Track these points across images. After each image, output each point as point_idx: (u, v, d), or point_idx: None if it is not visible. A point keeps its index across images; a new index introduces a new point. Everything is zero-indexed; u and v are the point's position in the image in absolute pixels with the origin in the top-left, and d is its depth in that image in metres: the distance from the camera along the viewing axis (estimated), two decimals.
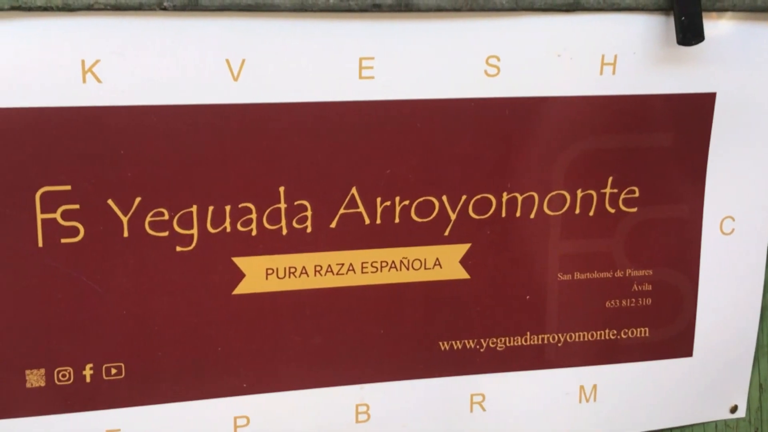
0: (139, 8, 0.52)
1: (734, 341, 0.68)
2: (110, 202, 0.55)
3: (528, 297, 0.63)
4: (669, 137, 0.62)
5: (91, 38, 0.52)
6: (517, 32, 0.58)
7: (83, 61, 0.52)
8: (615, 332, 0.65)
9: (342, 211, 0.59)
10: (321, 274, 0.59)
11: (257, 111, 0.56)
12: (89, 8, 0.51)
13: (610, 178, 0.62)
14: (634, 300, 0.65)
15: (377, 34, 0.56)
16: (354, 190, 0.59)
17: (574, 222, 0.62)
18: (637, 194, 0.63)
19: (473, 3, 0.56)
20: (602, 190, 0.62)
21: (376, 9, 0.55)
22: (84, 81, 0.53)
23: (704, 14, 0.59)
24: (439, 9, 0.56)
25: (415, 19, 0.57)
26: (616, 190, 0.62)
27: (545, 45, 0.59)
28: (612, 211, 0.63)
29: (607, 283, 0.64)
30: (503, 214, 0.61)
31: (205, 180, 0.56)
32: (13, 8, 0.51)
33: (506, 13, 0.57)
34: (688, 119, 0.62)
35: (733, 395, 0.69)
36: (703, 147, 0.63)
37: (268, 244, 0.58)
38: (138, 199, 0.55)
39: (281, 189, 0.58)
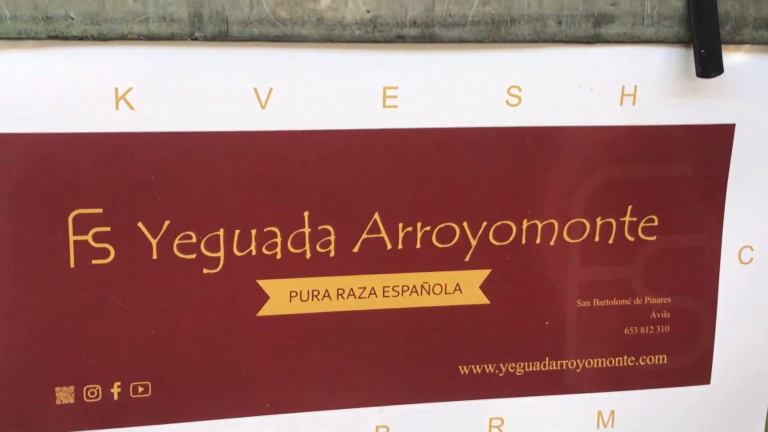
0: (171, 38, 0.54)
1: (752, 369, 0.68)
2: (140, 225, 0.57)
3: (547, 323, 0.64)
4: (688, 167, 0.63)
5: (125, 67, 0.54)
6: (538, 63, 0.59)
7: (116, 89, 0.54)
8: (633, 359, 0.66)
9: (364, 236, 0.60)
10: (343, 298, 0.61)
11: (284, 138, 0.57)
12: (123, 38, 0.53)
13: (630, 207, 0.63)
14: (652, 327, 0.66)
15: (401, 64, 0.58)
16: (376, 216, 0.60)
17: (594, 250, 0.63)
18: (656, 223, 0.63)
19: (495, 35, 0.58)
20: (621, 219, 0.63)
21: (401, 40, 0.57)
22: (117, 108, 0.54)
23: (723, 47, 0.60)
24: (462, 40, 0.58)
25: (438, 50, 0.58)
26: (635, 219, 0.63)
27: (566, 76, 0.60)
28: (631, 239, 0.63)
29: (625, 310, 0.65)
30: (523, 241, 0.62)
31: (232, 204, 0.58)
32: (50, 37, 0.53)
33: (528, 44, 0.59)
34: (708, 149, 0.63)
35: (750, 423, 0.69)
36: (722, 177, 0.64)
37: (292, 267, 0.60)
38: (167, 223, 0.57)
39: (306, 214, 0.59)
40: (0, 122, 0.53)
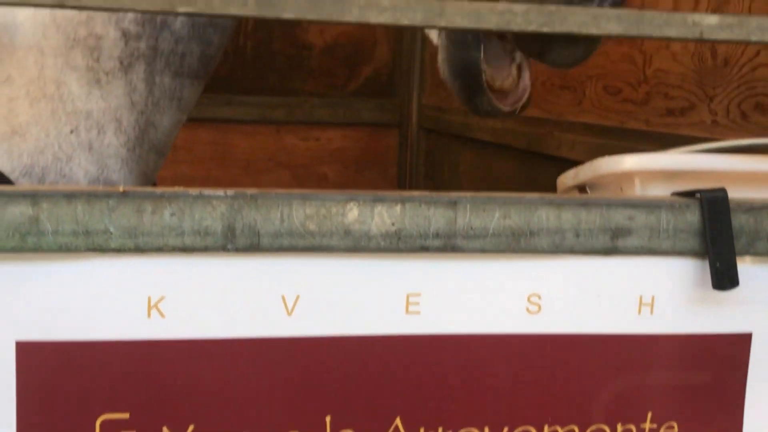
0: (204, 250, 0.56)
1: None
2: (165, 429, 0.57)
3: None
4: (707, 375, 0.63)
5: (159, 276, 0.56)
6: (557, 273, 0.61)
7: (149, 298, 0.56)
8: None
9: None
10: None
11: (308, 344, 0.58)
12: (159, 250, 0.55)
13: (650, 414, 0.63)
14: None
15: (424, 273, 0.59)
16: (398, 421, 0.60)
17: None
18: (675, 430, 0.64)
19: (515, 246, 0.60)
20: (642, 425, 0.63)
21: (424, 250, 0.59)
22: (149, 316, 0.56)
23: (738, 259, 0.61)
24: (483, 251, 0.59)
25: (460, 259, 0.60)
26: (655, 425, 0.63)
27: (585, 285, 0.61)
28: None
29: None
30: None
31: (255, 407, 0.58)
32: (88, 250, 0.55)
33: (547, 255, 0.60)
34: (725, 358, 0.63)
35: None
36: (740, 384, 0.64)
37: None
38: (191, 427, 0.58)
39: (327, 418, 0.59)
40: (34, 330, 0.55)
